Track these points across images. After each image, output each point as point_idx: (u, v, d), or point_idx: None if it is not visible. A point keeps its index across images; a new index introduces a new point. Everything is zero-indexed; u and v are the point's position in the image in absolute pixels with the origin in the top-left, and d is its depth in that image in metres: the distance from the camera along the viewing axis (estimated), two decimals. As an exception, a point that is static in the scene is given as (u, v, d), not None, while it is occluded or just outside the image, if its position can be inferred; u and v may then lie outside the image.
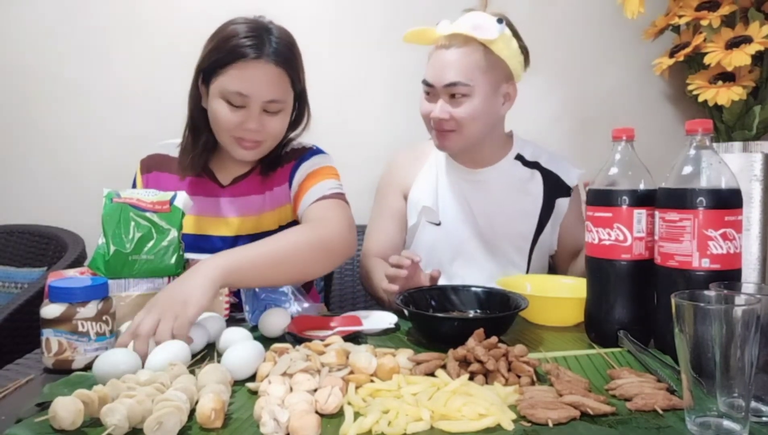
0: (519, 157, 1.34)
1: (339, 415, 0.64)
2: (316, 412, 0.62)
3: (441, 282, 1.12)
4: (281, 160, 1.21)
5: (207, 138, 1.18)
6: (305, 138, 1.25)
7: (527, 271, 1.33)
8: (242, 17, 1.12)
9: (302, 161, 1.20)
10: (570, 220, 1.34)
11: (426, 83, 1.24)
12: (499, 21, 1.19)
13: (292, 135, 1.22)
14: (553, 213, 1.33)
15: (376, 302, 1.34)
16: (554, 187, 1.33)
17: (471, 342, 0.77)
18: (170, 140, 1.25)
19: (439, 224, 1.33)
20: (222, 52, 1.08)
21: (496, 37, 1.19)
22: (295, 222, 1.22)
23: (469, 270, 1.32)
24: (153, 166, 1.24)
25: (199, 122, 1.17)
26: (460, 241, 1.32)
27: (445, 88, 1.21)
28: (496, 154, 1.33)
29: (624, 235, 0.86)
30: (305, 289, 1.26)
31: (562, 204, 1.33)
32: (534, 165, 1.34)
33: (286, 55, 1.11)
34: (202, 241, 1.19)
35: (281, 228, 1.21)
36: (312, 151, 1.23)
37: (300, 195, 1.17)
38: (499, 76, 1.24)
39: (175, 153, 1.23)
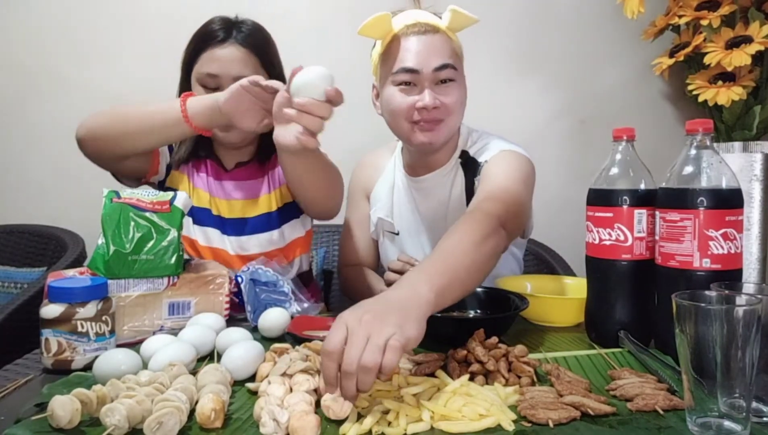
0: (463, 154, 1.24)
1: (339, 415, 0.64)
2: (316, 411, 0.62)
3: None
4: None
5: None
6: None
7: None
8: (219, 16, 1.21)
9: None
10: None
11: (408, 70, 1.12)
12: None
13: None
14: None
15: None
16: (471, 171, 1.22)
17: (471, 342, 0.77)
18: None
19: (397, 234, 1.31)
20: (195, 43, 1.18)
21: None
22: (293, 203, 1.26)
23: None
24: None
25: None
26: (418, 249, 1.28)
27: (434, 73, 1.11)
28: (443, 156, 1.24)
29: (624, 235, 0.86)
30: (303, 282, 1.26)
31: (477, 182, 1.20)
32: (464, 156, 1.25)
33: (253, 40, 1.18)
34: (216, 220, 1.24)
35: (279, 209, 1.26)
36: None
37: None
38: (462, 67, 1.20)
39: None
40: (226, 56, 1.15)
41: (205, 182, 1.27)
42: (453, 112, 1.15)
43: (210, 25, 1.18)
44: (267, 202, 1.26)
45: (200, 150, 1.27)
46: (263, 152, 1.28)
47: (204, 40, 1.17)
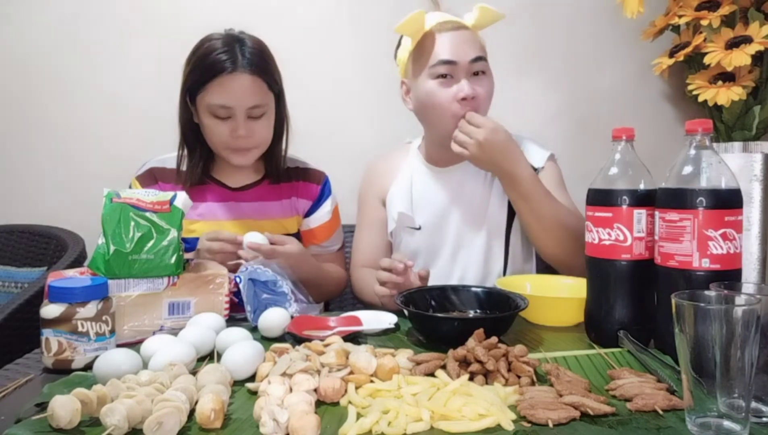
0: None
1: (339, 414, 0.65)
2: (316, 411, 0.62)
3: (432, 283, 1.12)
4: (292, 174, 1.33)
5: (201, 149, 1.26)
6: (299, 144, 1.35)
7: (506, 260, 1.30)
8: (215, 33, 1.20)
9: (326, 192, 1.37)
10: None
11: (446, 62, 1.18)
12: None
13: (283, 144, 1.30)
14: None
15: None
16: None
17: (471, 342, 0.77)
18: (160, 156, 1.31)
19: (419, 229, 1.32)
20: (201, 71, 1.17)
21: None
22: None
23: (453, 268, 1.30)
24: (158, 177, 1.29)
25: (192, 137, 1.25)
26: (441, 242, 1.30)
27: (471, 64, 1.19)
28: None
29: (624, 235, 0.86)
30: None
31: None
32: None
33: (259, 63, 1.18)
34: None
35: (297, 232, 1.33)
36: (328, 183, 1.38)
37: (324, 232, 1.37)
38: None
39: (171, 165, 1.29)
40: (238, 88, 1.15)
41: (205, 210, 1.27)
42: (486, 102, 1.23)
43: (213, 53, 1.15)
44: (290, 224, 1.33)
45: (203, 175, 1.28)
46: (272, 173, 1.31)
47: (209, 69, 1.15)
